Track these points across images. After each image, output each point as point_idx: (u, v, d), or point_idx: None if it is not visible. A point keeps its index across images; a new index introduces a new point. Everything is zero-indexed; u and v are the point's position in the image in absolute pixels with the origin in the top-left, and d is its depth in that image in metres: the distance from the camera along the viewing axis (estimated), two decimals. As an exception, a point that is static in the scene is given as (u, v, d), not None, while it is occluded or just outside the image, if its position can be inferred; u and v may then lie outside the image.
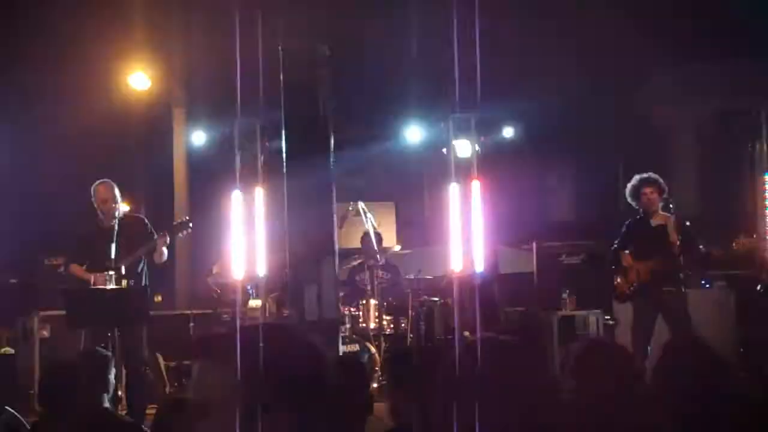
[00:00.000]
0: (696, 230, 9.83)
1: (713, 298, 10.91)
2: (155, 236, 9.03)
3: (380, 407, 5.57)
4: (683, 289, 9.48)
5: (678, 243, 9.40)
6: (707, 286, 11.20)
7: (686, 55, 15.32)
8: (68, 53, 12.16)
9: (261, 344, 2.26)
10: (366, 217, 11.90)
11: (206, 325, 11.08)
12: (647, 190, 9.59)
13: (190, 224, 9.60)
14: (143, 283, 9.03)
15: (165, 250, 9.11)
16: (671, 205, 9.65)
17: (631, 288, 9.55)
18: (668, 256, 9.40)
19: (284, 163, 8.61)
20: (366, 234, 11.87)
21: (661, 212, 9.64)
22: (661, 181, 9.73)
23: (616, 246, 9.87)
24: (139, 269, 9.00)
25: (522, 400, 2.96)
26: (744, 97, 14.46)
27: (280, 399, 2.25)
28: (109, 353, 7.21)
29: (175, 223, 9.93)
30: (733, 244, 9.62)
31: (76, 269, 9.04)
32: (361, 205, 11.88)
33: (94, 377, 5.83)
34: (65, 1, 12.07)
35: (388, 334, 11.27)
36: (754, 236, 10.25)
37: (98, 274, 8.80)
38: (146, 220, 9.42)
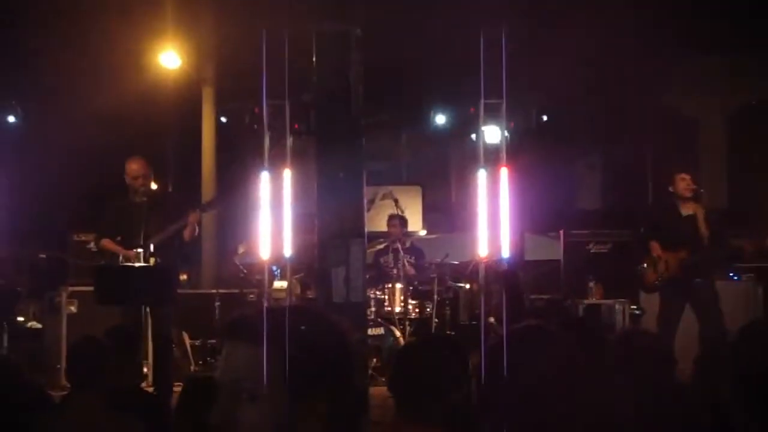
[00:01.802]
0: (724, 223, 9.78)
1: (741, 290, 10.86)
2: (187, 213, 9.04)
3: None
4: (713, 281, 9.44)
5: (708, 235, 9.36)
6: (735, 278, 11.15)
7: (716, 45, 15.22)
8: (100, 31, 12.20)
9: (287, 326, 2.25)
10: (397, 205, 11.92)
11: (232, 305, 11.10)
12: (681, 176, 9.54)
13: (221, 203, 9.62)
14: (175, 262, 9.05)
15: (196, 227, 9.12)
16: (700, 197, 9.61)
17: (660, 279, 9.50)
18: (699, 247, 9.35)
19: (315, 145, 8.59)
20: (392, 217, 11.88)
21: (692, 202, 9.58)
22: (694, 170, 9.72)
23: (644, 233, 9.81)
24: (173, 247, 9.00)
25: (556, 389, 2.95)
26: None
27: (306, 383, 2.24)
28: (137, 330, 7.26)
29: (205, 201, 9.96)
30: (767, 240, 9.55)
31: (108, 243, 9.06)
32: (393, 192, 11.89)
33: (124, 353, 5.86)
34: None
35: (413, 319, 11.27)
36: None
37: (129, 251, 8.83)
38: (178, 197, 9.45)
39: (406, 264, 11.48)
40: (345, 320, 2.40)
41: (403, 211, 12.11)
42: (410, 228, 12.51)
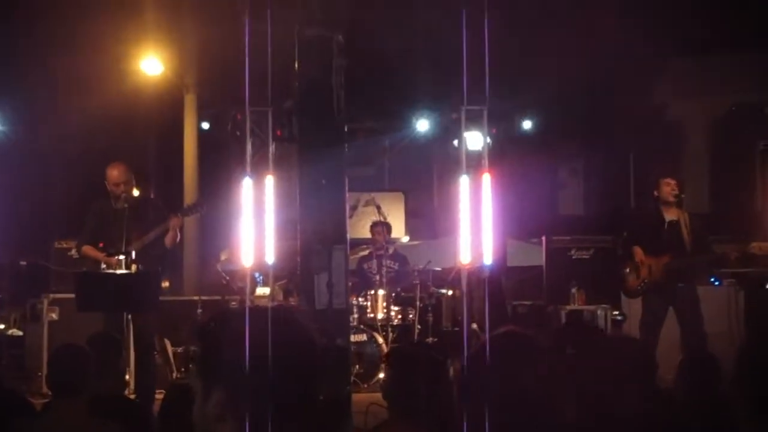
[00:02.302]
0: (707, 228, 9.81)
1: (722, 295, 10.89)
2: (168, 218, 9.01)
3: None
4: (695, 287, 9.47)
5: (691, 240, 9.39)
6: (717, 283, 11.18)
7: (698, 49, 15.27)
8: (81, 37, 12.16)
9: (247, 326, 2.24)
10: (379, 211, 11.94)
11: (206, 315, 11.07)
12: (666, 180, 9.56)
13: (203, 206, 9.60)
14: (156, 268, 9.01)
15: (177, 233, 9.09)
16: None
17: (643, 284, 9.52)
18: (682, 252, 9.38)
19: (297, 151, 8.60)
20: (375, 224, 11.88)
21: (675, 208, 9.60)
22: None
23: (626, 238, 9.83)
24: (154, 253, 8.96)
25: (536, 393, 2.95)
26: (757, 93, 14.42)
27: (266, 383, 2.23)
28: (119, 337, 7.23)
29: (187, 204, 9.92)
30: (751, 247, 9.57)
31: (89, 249, 9.02)
32: (375, 198, 11.90)
33: (104, 361, 5.84)
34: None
35: (396, 325, 11.27)
36: None
37: (110, 257, 8.79)
38: (159, 203, 9.42)
39: (389, 270, 11.51)
40: (313, 324, 2.40)
41: (385, 218, 12.13)
42: (393, 234, 12.51)
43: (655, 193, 9.64)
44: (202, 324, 10.30)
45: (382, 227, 11.81)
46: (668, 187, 9.52)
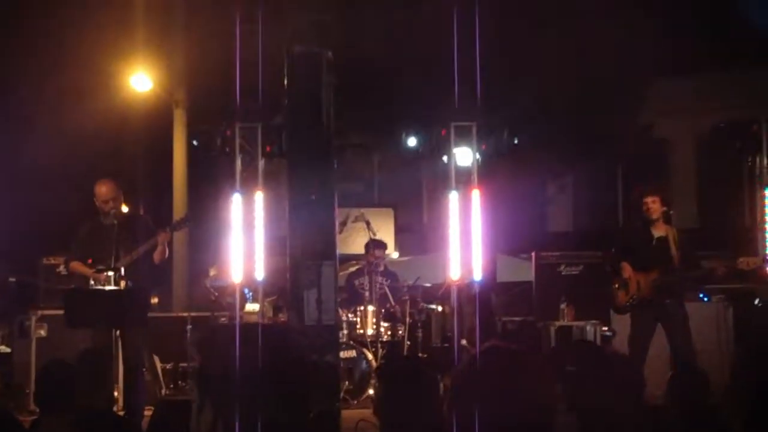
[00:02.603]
0: (694, 245, 9.83)
1: (711, 311, 10.89)
2: (156, 233, 8.98)
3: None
4: (684, 302, 9.48)
5: (679, 256, 9.41)
6: (705, 299, 11.19)
7: (685, 68, 15.34)
8: (71, 53, 12.17)
9: (237, 341, 2.25)
10: (369, 227, 11.95)
11: (203, 328, 11.05)
12: (648, 199, 9.57)
13: (191, 220, 9.59)
14: (145, 284, 8.98)
15: (166, 248, 9.06)
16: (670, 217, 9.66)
17: (632, 300, 9.53)
18: (670, 268, 9.39)
19: (287, 167, 8.61)
20: (372, 243, 11.89)
21: (663, 224, 9.61)
22: (665, 191, 9.74)
23: (615, 254, 9.84)
24: (143, 269, 8.94)
25: (523, 407, 2.95)
26: (744, 109, 14.46)
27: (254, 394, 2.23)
28: (109, 354, 7.21)
29: (175, 219, 9.90)
30: (738, 262, 9.58)
31: (78, 266, 8.99)
32: (364, 214, 11.91)
33: (94, 377, 5.82)
34: (67, 3, 12.08)
35: (385, 341, 11.25)
36: (759, 255, 10.20)
37: (98, 274, 8.76)
38: (148, 219, 9.40)
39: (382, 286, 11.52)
40: (304, 340, 2.41)
41: (375, 234, 12.13)
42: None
43: (642, 211, 9.65)
44: (200, 338, 10.30)
45: (378, 247, 11.83)
46: (654, 205, 9.54)
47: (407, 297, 11.45)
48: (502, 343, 3.25)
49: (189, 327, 11.22)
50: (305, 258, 8.24)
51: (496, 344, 3.23)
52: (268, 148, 9.46)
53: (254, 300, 11.12)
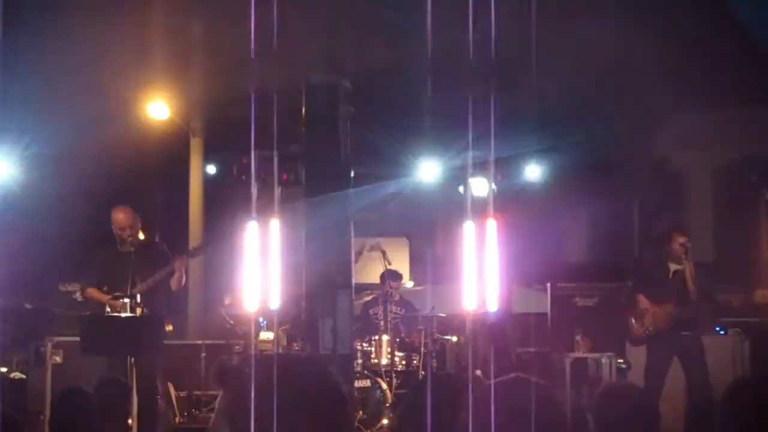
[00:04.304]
0: (710, 278, 9.81)
1: (728, 344, 10.85)
2: (173, 260, 9.01)
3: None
4: (700, 335, 9.45)
5: (695, 289, 9.39)
6: (722, 332, 11.15)
7: (703, 102, 15.34)
8: (88, 81, 12.22)
9: (276, 375, 2.24)
10: (384, 257, 11.97)
11: (218, 356, 11.04)
12: (682, 239, 9.58)
13: (208, 247, 9.60)
14: (161, 312, 8.99)
15: (183, 275, 9.08)
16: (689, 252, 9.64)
17: (647, 332, 9.50)
18: (687, 301, 9.37)
19: (303, 195, 8.63)
20: (385, 274, 11.90)
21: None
22: (688, 228, 9.77)
23: (631, 286, 9.82)
24: (159, 296, 8.95)
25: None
26: (760, 143, 14.47)
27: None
28: (126, 382, 7.21)
29: (192, 246, 9.93)
30: (755, 295, 9.55)
31: (94, 292, 9.02)
32: (380, 243, 11.93)
33: (111, 405, 5.83)
34: (85, 30, 12.14)
35: (400, 371, 11.22)
36: None
37: (114, 301, 8.78)
38: (165, 246, 9.43)
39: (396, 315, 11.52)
40: (333, 368, 2.40)
41: (390, 263, 12.13)
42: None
43: (666, 246, 9.63)
44: (227, 368, 10.29)
45: (393, 279, 11.85)
46: (677, 245, 9.53)
47: (422, 327, 11.44)
48: (524, 374, 3.24)
49: (204, 354, 11.22)
50: (321, 287, 8.24)
51: (520, 376, 3.22)
52: (285, 176, 9.50)
53: (268, 328, 11.12)
